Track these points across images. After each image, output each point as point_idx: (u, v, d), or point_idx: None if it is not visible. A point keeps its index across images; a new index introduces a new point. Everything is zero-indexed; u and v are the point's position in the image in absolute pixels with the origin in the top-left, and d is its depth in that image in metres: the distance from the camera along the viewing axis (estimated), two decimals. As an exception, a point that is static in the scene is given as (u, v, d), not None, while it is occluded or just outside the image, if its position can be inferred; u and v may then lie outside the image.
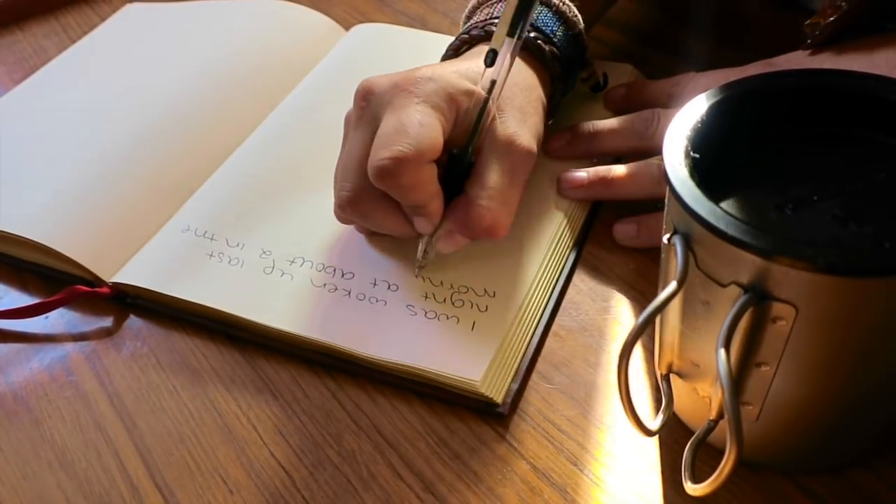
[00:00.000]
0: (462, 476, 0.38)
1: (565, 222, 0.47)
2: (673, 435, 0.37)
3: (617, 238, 0.47)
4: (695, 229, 0.30)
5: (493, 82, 0.42)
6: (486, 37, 0.48)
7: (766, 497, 0.35)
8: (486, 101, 0.42)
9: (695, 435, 0.33)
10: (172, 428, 0.41)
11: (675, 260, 0.30)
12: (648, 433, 0.34)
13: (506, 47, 0.42)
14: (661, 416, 0.35)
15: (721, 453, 0.29)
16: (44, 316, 0.47)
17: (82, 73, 0.63)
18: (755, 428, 0.33)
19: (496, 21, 0.46)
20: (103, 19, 0.70)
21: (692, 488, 0.32)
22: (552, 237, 0.46)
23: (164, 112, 0.57)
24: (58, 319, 0.47)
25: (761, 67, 0.47)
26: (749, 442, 0.29)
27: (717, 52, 0.59)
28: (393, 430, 0.40)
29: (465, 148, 0.42)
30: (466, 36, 0.49)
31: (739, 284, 0.29)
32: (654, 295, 0.30)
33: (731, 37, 0.60)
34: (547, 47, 0.47)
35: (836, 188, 0.32)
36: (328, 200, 0.49)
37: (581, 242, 0.47)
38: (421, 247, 0.43)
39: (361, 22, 0.67)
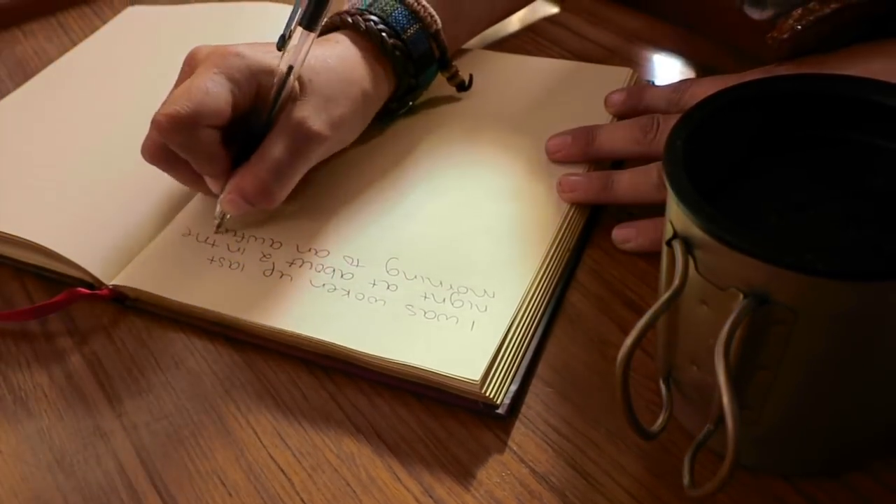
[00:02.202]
0: (461, 479, 0.38)
1: (565, 225, 0.47)
2: (672, 438, 0.37)
3: (616, 242, 0.47)
4: (695, 234, 0.30)
5: (291, 67, 0.45)
6: (342, 24, 0.51)
7: (765, 500, 0.35)
8: (284, 82, 0.45)
9: (695, 439, 0.33)
10: (171, 430, 0.41)
11: (675, 264, 0.30)
12: (648, 437, 0.34)
13: (298, 35, 0.44)
14: (660, 420, 0.35)
15: (720, 457, 0.29)
16: (44, 318, 0.47)
17: (84, 76, 0.63)
18: (754, 431, 0.33)
19: (352, 12, 0.50)
20: (105, 22, 0.70)
21: (692, 492, 0.32)
22: (552, 240, 0.46)
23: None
24: (58, 322, 0.47)
25: (760, 73, 0.47)
26: (748, 445, 0.29)
27: (717, 58, 0.59)
28: (392, 433, 0.40)
29: (260, 122, 0.45)
30: (328, 21, 0.51)
31: (739, 289, 0.29)
32: (654, 299, 0.30)
33: (731, 42, 0.60)
34: (391, 41, 0.50)
35: (835, 192, 0.32)
36: (328, 201, 0.49)
37: (581, 246, 0.47)
38: (218, 207, 0.47)
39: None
